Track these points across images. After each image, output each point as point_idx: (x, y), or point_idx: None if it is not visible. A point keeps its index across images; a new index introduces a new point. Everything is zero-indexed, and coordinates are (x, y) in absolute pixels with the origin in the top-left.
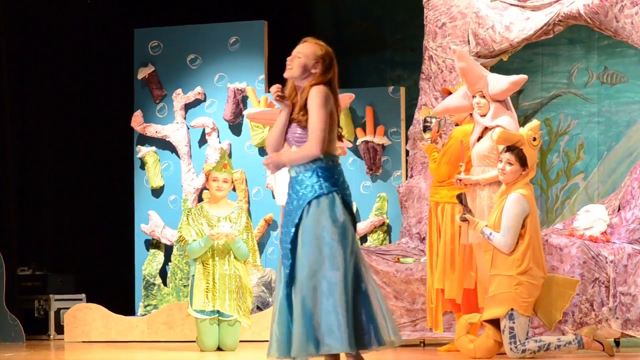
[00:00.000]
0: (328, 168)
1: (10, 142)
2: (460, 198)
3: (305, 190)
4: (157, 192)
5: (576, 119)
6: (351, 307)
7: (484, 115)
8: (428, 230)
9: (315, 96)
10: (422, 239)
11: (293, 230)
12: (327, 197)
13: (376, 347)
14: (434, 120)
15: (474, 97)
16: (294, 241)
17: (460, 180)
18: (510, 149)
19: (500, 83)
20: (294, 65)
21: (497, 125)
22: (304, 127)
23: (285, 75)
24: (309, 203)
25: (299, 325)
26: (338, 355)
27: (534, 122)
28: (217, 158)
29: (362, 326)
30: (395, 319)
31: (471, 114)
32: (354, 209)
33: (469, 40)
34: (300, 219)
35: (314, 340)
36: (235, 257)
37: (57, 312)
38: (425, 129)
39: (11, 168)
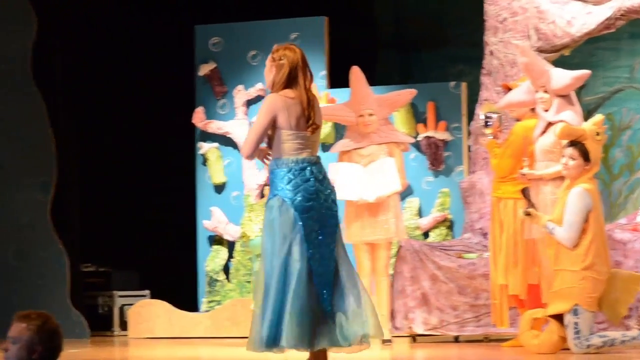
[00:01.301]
0: (281, 171)
1: (73, 140)
2: (525, 193)
3: (269, 191)
4: (219, 189)
5: (638, 113)
6: (273, 306)
7: (547, 110)
8: (491, 226)
9: (262, 105)
10: (485, 235)
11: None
12: (272, 201)
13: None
14: (495, 115)
15: (537, 92)
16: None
17: (524, 175)
18: (573, 143)
19: (563, 78)
20: (265, 75)
21: (561, 120)
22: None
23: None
24: (266, 204)
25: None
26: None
27: (597, 117)
28: None
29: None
30: (458, 314)
31: (532, 109)
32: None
33: (529, 35)
34: (263, 221)
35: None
36: None
37: (121, 309)
38: (487, 124)
39: (74, 165)
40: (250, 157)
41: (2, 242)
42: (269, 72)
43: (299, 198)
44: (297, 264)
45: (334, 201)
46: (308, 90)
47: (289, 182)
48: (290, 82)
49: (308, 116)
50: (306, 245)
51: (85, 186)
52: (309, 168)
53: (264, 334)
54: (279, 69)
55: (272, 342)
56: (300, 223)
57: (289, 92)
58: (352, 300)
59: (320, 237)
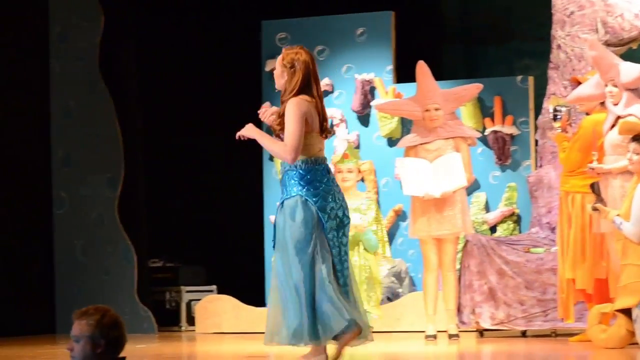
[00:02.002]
0: (296, 173)
1: (140, 136)
2: (593, 187)
3: (283, 191)
4: None
5: None
6: (310, 302)
7: (616, 104)
8: (559, 220)
9: (288, 109)
10: (553, 229)
11: (273, 229)
12: (290, 200)
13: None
14: (563, 109)
15: (606, 85)
16: (274, 238)
17: (592, 169)
18: (636, 138)
19: (632, 71)
20: (275, 78)
21: (630, 114)
22: (277, 135)
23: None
24: (282, 204)
25: (278, 314)
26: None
27: None
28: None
29: (322, 318)
30: (525, 309)
31: (602, 103)
32: (329, 209)
33: (597, 29)
34: (276, 220)
35: (286, 330)
36: (364, 248)
37: (189, 304)
38: (555, 118)
39: (141, 161)
40: (295, 160)
41: (70, 237)
42: (280, 76)
43: (320, 198)
44: (321, 261)
45: (345, 201)
46: (320, 97)
47: (309, 183)
48: (304, 88)
49: (322, 121)
50: (328, 243)
51: (153, 182)
52: (326, 169)
53: (295, 328)
54: (292, 75)
55: (308, 335)
56: (323, 222)
57: (305, 97)
58: (358, 297)
59: (338, 236)
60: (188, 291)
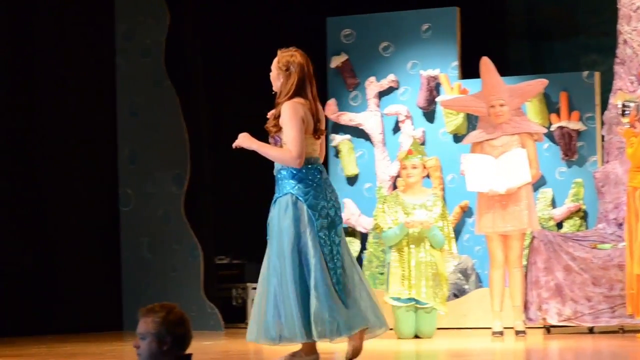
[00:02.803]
0: (289, 172)
1: (206, 133)
2: None
3: (277, 190)
4: (351, 180)
5: None
6: (301, 300)
7: None
8: (626, 216)
9: (286, 112)
10: (620, 225)
11: (267, 226)
12: (283, 198)
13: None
14: (632, 104)
15: None
16: (267, 236)
17: None
18: None
19: None
20: (272, 80)
21: None
22: (272, 137)
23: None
24: (275, 202)
25: (268, 313)
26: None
27: None
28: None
29: (314, 318)
30: (592, 305)
31: None
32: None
33: None
34: (270, 216)
35: (275, 329)
36: (431, 245)
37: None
38: (624, 113)
39: (207, 158)
40: (301, 164)
41: (136, 235)
42: (276, 79)
43: (311, 197)
44: (312, 260)
45: (338, 201)
46: (315, 98)
47: (300, 181)
48: (298, 90)
49: (316, 122)
50: (319, 242)
51: (218, 178)
52: (318, 169)
53: (287, 327)
54: (287, 77)
55: (300, 334)
56: (314, 220)
57: (300, 100)
58: (365, 294)
59: (329, 235)
60: (254, 288)
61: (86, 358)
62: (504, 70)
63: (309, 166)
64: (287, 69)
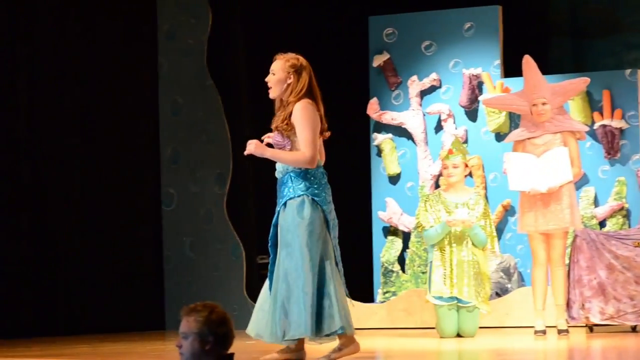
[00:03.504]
0: (300, 174)
1: (248, 133)
2: None
3: (283, 192)
4: (394, 179)
5: None
6: (315, 298)
7: None
8: None
9: (300, 112)
10: None
11: (272, 229)
12: (295, 200)
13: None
14: None
15: None
16: (274, 238)
17: None
18: None
19: None
20: (272, 84)
21: None
22: (285, 135)
23: (270, 96)
24: (284, 205)
25: (276, 312)
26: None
27: None
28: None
29: (324, 314)
30: (635, 304)
31: None
32: (330, 210)
33: None
34: (277, 219)
35: (281, 330)
36: (473, 244)
37: None
38: None
39: (249, 158)
40: (316, 165)
41: (179, 234)
42: (283, 81)
43: (325, 197)
44: (329, 258)
45: None
46: (319, 98)
47: (312, 183)
48: (308, 91)
49: (323, 124)
50: (331, 242)
51: (260, 178)
52: (324, 171)
53: (305, 326)
54: (297, 79)
55: (311, 331)
56: (329, 220)
57: (309, 101)
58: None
59: (336, 236)
60: None
61: (129, 357)
62: (546, 68)
63: (318, 167)
64: (297, 71)
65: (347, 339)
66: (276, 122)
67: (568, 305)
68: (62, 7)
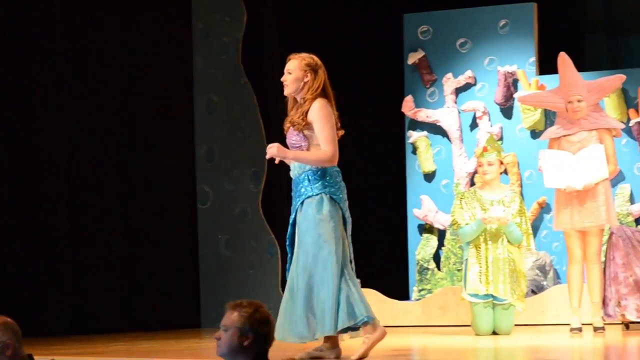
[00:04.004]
0: (317, 172)
1: (282, 130)
2: None
3: (300, 191)
4: (429, 177)
5: None
6: (338, 294)
7: None
8: None
9: (319, 110)
10: None
11: (290, 227)
12: (315, 198)
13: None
14: None
15: None
16: (291, 237)
17: None
18: None
19: None
20: (288, 82)
21: None
22: (301, 131)
23: (285, 93)
24: (302, 203)
25: (296, 311)
26: (334, 338)
27: None
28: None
29: (347, 308)
30: None
31: None
32: (346, 208)
33: None
34: (295, 217)
35: (309, 325)
36: (508, 241)
37: None
38: None
39: None
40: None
41: (214, 232)
42: (300, 79)
43: (342, 195)
44: (347, 256)
45: None
46: (332, 97)
47: (330, 181)
48: (324, 91)
49: (337, 123)
50: (348, 238)
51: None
52: (339, 169)
53: (335, 320)
54: (314, 77)
55: (334, 326)
56: (346, 218)
57: (325, 99)
58: None
59: (349, 230)
60: None
61: (165, 355)
62: (582, 65)
63: (333, 166)
64: (314, 69)
65: (373, 327)
66: (292, 118)
67: (604, 302)
68: (97, 5)
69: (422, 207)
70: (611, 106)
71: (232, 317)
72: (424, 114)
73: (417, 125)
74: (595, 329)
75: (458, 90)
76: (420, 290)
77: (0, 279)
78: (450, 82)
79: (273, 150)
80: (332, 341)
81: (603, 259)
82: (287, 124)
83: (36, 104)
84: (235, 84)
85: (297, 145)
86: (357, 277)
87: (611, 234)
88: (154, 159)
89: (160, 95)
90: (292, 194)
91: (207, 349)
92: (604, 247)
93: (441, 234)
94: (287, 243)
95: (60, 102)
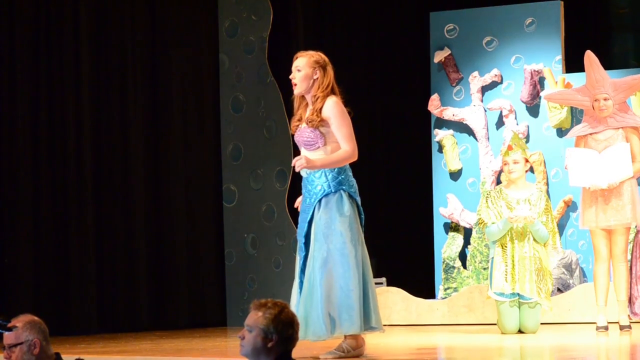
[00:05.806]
0: (334, 169)
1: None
2: None
3: (316, 189)
4: (455, 175)
5: None
6: (361, 292)
7: None
8: None
9: (334, 107)
10: None
11: (306, 226)
12: (334, 195)
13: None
14: None
15: None
16: (307, 235)
17: None
18: None
19: None
20: (298, 81)
21: None
22: (315, 128)
23: (295, 92)
24: (319, 201)
25: (313, 309)
26: (357, 336)
27: None
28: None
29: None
30: None
31: None
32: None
33: None
34: (313, 215)
35: (328, 323)
36: (534, 240)
37: None
38: None
39: None
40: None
41: (240, 230)
42: (310, 77)
43: (355, 193)
44: (366, 254)
45: None
46: (339, 95)
47: (345, 179)
48: (334, 87)
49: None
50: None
51: None
52: (350, 166)
53: (357, 316)
54: (323, 74)
55: (367, 324)
56: (361, 212)
57: (336, 96)
58: None
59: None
60: None
61: (190, 354)
62: (609, 63)
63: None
64: (322, 66)
65: (356, 340)
66: (305, 115)
67: (630, 301)
68: (124, 4)
69: (448, 205)
70: (638, 104)
71: (256, 318)
72: (450, 113)
73: (443, 123)
74: (622, 328)
75: (484, 89)
76: (446, 289)
77: (28, 278)
78: (476, 81)
79: (302, 162)
80: (358, 340)
81: (629, 257)
82: (295, 122)
83: (64, 101)
84: (261, 82)
85: (312, 143)
86: (383, 275)
87: (637, 232)
88: (180, 158)
89: (186, 93)
90: (304, 192)
91: (233, 347)
92: (630, 246)
93: (467, 232)
94: (303, 241)
95: (88, 101)
